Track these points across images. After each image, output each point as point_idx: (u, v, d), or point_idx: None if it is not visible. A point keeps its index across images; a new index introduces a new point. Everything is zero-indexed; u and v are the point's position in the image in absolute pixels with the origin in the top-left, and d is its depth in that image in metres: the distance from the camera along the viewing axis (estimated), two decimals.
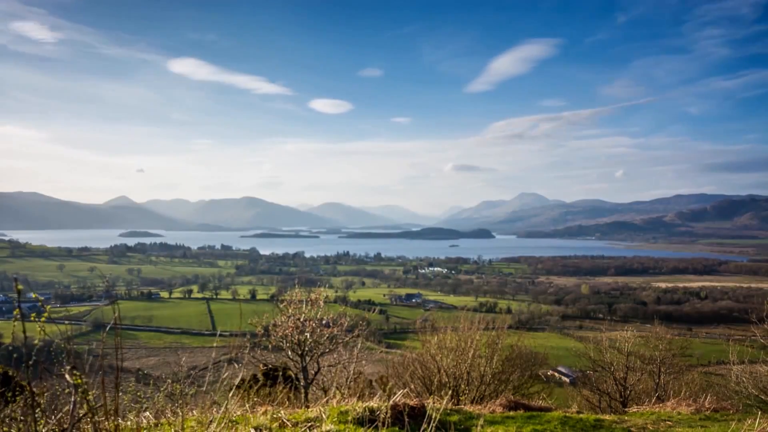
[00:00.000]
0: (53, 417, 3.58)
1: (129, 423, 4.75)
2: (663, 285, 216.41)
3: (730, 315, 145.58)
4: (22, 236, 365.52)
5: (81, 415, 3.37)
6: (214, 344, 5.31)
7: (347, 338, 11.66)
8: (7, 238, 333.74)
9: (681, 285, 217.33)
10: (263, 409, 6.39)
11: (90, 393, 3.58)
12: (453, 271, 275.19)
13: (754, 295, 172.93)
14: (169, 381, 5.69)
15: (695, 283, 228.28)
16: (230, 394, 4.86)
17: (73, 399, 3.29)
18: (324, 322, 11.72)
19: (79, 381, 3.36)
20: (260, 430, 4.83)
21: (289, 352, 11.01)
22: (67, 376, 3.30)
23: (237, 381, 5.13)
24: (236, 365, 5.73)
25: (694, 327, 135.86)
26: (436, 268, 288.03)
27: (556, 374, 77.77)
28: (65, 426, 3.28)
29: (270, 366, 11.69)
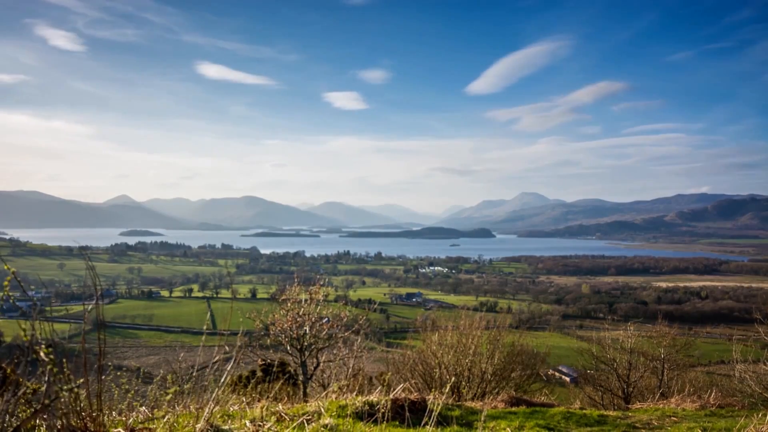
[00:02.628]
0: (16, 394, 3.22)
1: (125, 418, 4.63)
2: (663, 284, 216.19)
3: (730, 314, 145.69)
4: (22, 235, 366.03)
5: (57, 394, 3.19)
6: (202, 339, 5.19)
7: (347, 333, 11.53)
8: (7, 237, 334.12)
9: (682, 284, 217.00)
10: (261, 404, 6.27)
11: (79, 381, 3.56)
12: (453, 271, 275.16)
13: (755, 295, 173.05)
14: (162, 372, 5.56)
15: (696, 282, 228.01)
16: (221, 381, 4.70)
17: (47, 378, 3.15)
18: (324, 319, 11.60)
19: (51, 357, 3.22)
20: (257, 423, 4.71)
21: (288, 347, 10.89)
22: (41, 354, 3.15)
23: (227, 369, 5.00)
24: (227, 347, 5.61)
25: (694, 326, 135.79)
26: (436, 268, 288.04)
27: (557, 374, 77.64)
28: (37, 407, 3.09)
29: (268, 361, 11.57)
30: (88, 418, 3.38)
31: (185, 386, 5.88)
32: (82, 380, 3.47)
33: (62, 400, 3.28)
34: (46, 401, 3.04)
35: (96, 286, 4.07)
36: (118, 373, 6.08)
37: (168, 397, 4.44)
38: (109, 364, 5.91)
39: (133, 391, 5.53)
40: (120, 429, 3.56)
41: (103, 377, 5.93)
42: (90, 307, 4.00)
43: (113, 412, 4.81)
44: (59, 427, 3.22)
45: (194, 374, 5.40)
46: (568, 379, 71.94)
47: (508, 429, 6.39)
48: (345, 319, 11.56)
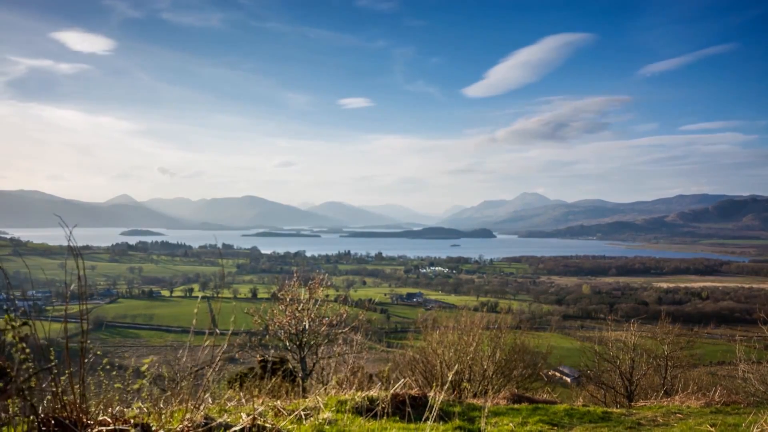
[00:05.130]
0: None
1: (110, 406, 4.52)
2: (664, 285, 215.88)
3: (731, 315, 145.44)
4: (23, 234, 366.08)
5: (29, 374, 3.06)
6: (190, 337, 5.08)
7: (346, 329, 11.41)
8: (8, 236, 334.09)
9: (682, 285, 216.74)
10: (259, 399, 6.17)
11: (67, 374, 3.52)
12: (454, 271, 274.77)
13: (756, 296, 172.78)
14: (157, 365, 5.44)
15: (697, 283, 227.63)
16: (211, 371, 4.59)
17: (17, 360, 3.05)
18: (325, 319, 11.46)
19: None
20: (253, 416, 4.60)
21: (287, 343, 10.77)
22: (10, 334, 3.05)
23: (217, 354, 4.89)
24: (217, 330, 5.52)
25: (695, 327, 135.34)
26: (437, 268, 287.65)
27: (558, 374, 77.33)
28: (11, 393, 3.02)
29: (267, 358, 11.46)
30: (70, 405, 3.32)
31: (183, 382, 5.77)
32: (68, 371, 3.54)
33: (43, 385, 3.21)
34: (17, 382, 2.93)
35: (83, 286, 4.08)
36: (113, 372, 5.98)
37: (144, 368, 4.33)
38: (112, 363, 5.80)
39: (124, 386, 5.42)
40: (106, 417, 3.57)
41: (98, 373, 5.82)
42: (70, 304, 4.03)
43: (109, 409, 4.71)
44: (40, 413, 3.14)
45: (187, 368, 5.29)
46: (568, 379, 71.68)
47: (510, 424, 6.27)
48: (345, 315, 11.45)
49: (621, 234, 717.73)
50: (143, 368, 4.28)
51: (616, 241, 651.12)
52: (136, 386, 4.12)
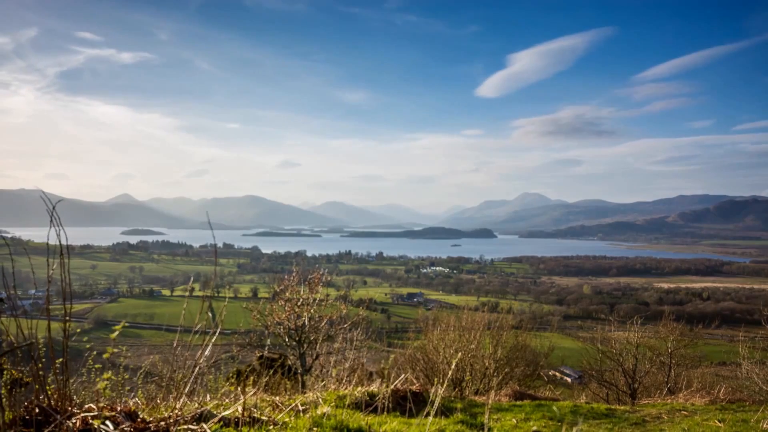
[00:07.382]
0: None
1: (97, 397, 4.42)
2: (665, 285, 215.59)
3: (732, 316, 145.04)
4: (24, 233, 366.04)
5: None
6: (177, 335, 5.01)
7: (346, 325, 11.30)
8: (9, 235, 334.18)
9: (683, 286, 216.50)
10: (257, 394, 6.07)
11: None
12: (455, 271, 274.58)
13: (757, 296, 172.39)
14: (153, 358, 5.36)
15: (697, 284, 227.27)
16: (199, 356, 4.49)
17: None
18: (325, 320, 11.34)
19: None
20: (250, 409, 4.49)
21: (286, 338, 10.64)
22: None
23: (209, 342, 4.80)
24: (206, 315, 5.41)
25: (695, 327, 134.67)
26: (437, 268, 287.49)
27: (559, 374, 77.05)
28: None
29: (264, 354, 11.35)
30: (54, 393, 3.32)
31: (178, 376, 5.68)
32: (56, 362, 3.50)
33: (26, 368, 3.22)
34: None
35: (68, 286, 4.19)
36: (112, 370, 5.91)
37: (114, 335, 4.26)
38: (113, 361, 5.72)
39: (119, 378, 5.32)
40: (91, 405, 3.57)
41: (87, 365, 5.71)
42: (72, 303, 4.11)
43: (100, 403, 4.62)
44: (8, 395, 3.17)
45: (182, 361, 5.20)
46: (570, 379, 71.41)
47: (513, 420, 6.16)
48: (345, 312, 11.33)
49: (622, 234, 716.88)
50: (113, 336, 4.17)
51: (616, 241, 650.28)
52: (106, 355, 4.12)
